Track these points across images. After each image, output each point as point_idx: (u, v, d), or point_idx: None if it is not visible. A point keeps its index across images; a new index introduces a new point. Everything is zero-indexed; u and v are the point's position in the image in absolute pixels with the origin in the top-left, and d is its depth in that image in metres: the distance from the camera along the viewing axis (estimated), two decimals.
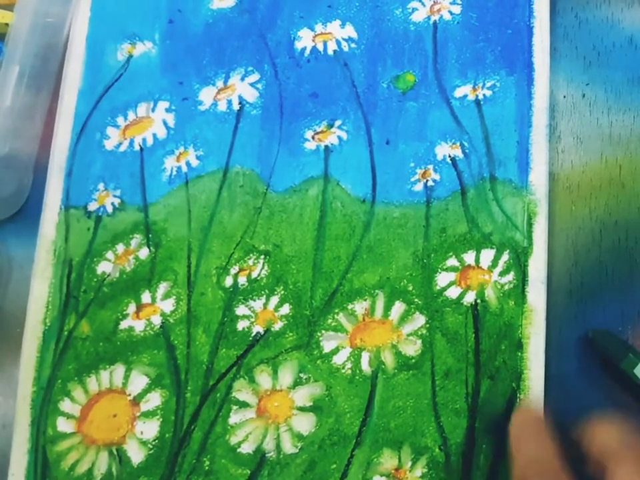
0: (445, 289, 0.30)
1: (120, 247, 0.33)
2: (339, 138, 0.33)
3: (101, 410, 0.31)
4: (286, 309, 0.31)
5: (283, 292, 0.32)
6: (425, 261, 0.31)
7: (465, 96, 0.33)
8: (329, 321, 0.31)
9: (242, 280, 0.32)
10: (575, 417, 0.29)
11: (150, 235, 0.33)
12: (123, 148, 0.35)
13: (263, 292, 0.32)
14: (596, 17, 0.34)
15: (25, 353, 0.32)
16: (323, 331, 0.31)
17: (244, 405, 0.30)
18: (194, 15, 0.36)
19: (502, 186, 0.31)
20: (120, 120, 0.35)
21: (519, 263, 0.30)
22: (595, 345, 0.29)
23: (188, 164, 0.34)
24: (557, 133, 0.32)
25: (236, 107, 0.35)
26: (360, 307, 0.31)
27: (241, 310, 0.32)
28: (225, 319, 0.32)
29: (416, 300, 0.30)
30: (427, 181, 0.32)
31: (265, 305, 0.32)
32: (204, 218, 0.33)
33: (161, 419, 0.31)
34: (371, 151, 0.33)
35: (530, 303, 0.29)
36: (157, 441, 0.31)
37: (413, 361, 0.30)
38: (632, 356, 0.28)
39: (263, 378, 0.31)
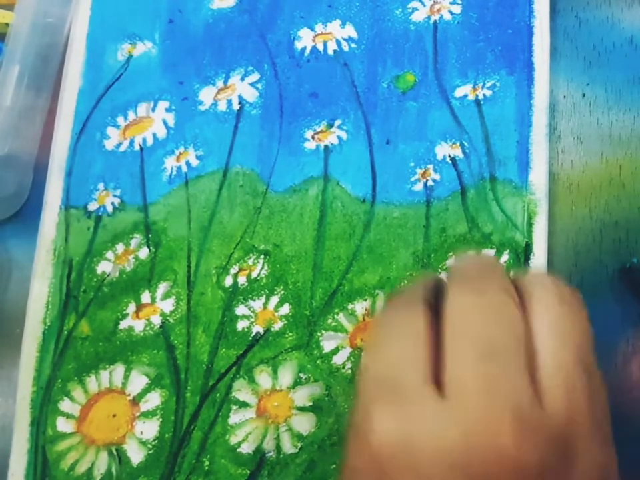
0: None
1: (120, 247, 0.33)
2: (339, 138, 0.33)
3: (101, 410, 0.31)
4: (286, 309, 0.31)
5: (282, 292, 0.32)
6: (425, 261, 0.31)
7: (465, 96, 0.33)
8: (329, 320, 0.31)
9: (242, 280, 0.32)
10: None
11: (150, 235, 0.33)
12: (123, 148, 0.35)
13: (262, 292, 0.32)
14: (596, 17, 0.34)
15: (24, 353, 0.32)
16: (323, 331, 0.31)
17: (244, 404, 0.30)
18: (194, 14, 0.36)
19: (502, 186, 0.31)
20: (120, 120, 0.35)
21: (519, 263, 0.30)
22: (633, 275, 0.29)
23: (188, 164, 0.34)
24: (557, 132, 0.32)
25: (236, 106, 0.35)
26: (360, 306, 0.31)
27: (240, 310, 0.32)
28: (225, 319, 0.32)
29: None
30: (427, 180, 0.32)
31: (265, 304, 0.32)
32: (204, 218, 0.33)
33: (160, 419, 0.31)
34: (370, 151, 0.33)
35: None
36: (156, 441, 0.31)
37: None
38: None
39: (263, 378, 0.31)
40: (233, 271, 0.32)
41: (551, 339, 0.18)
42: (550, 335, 0.18)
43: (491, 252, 0.30)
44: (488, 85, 0.33)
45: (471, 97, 0.33)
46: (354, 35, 0.35)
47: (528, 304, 0.19)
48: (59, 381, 0.32)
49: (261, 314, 0.31)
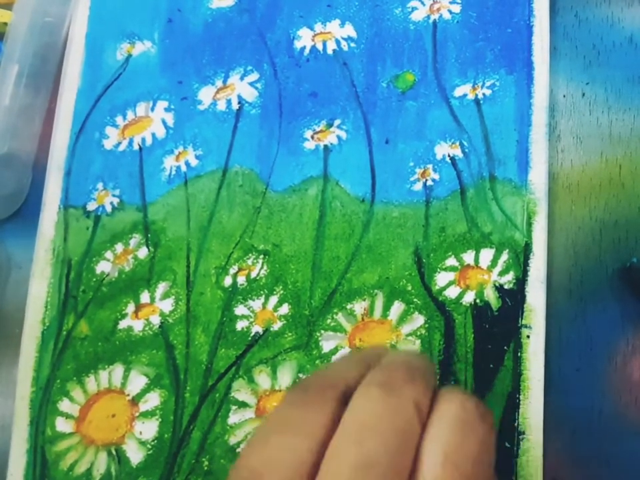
0: (444, 288, 0.30)
1: (119, 247, 0.33)
2: (338, 137, 0.33)
3: (100, 410, 0.31)
4: (285, 309, 0.31)
5: (282, 292, 0.31)
6: (424, 260, 0.31)
7: (465, 95, 0.33)
8: (328, 320, 0.31)
9: (241, 280, 0.32)
10: (575, 418, 0.29)
11: (149, 235, 0.33)
12: (122, 147, 0.35)
13: (262, 292, 0.32)
14: (596, 16, 0.33)
15: (23, 353, 0.32)
16: (322, 331, 0.31)
17: (243, 405, 0.30)
18: (193, 14, 0.36)
19: (501, 185, 0.31)
20: (119, 119, 0.35)
21: (519, 263, 0.30)
22: (633, 275, 0.29)
23: (187, 163, 0.34)
24: (556, 132, 0.32)
25: (235, 106, 0.34)
26: (359, 306, 0.31)
27: (240, 310, 0.32)
28: (224, 319, 0.32)
29: (415, 300, 0.30)
30: (427, 180, 0.32)
31: (264, 304, 0.31)
32: (203, 217, 0.33)
33: (159, 419, 0.31)
34: (370, 151, 0.33)
35: (529, 303, 0.29)
36: (155, 441, 0.31)
37: None
38: None
39: (262, 378, 0.31)
40: (232, 270, 0.32)
41: (437, 465, 0.17)
42: (438, 460, 0.17)
43: (490, 251, 0.30)
44: (487, 84, 0.33)
45: (471, 97, 0.33)
46: (353, 34, 0.35)
47: (429, 418, 0.18)
48: (58, 381, 0.32)
49: (260, 314, 0.31)
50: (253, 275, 0.32)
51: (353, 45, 0.34)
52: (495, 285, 0.30)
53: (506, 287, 0.30)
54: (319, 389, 0.19)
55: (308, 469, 0.17)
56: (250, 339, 0.31)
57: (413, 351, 0.23)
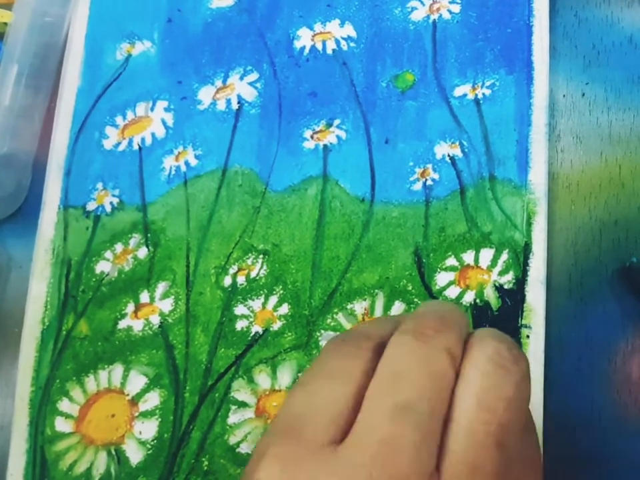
0: (444, 288, 0.30)
1: (118, 247, 0.33)
2: (338, 137, 0.33)
3: (100, 410, 0.31)
4: (285, 309, 0.31)
5: (281, 291, 0.31)
6: (424, 260, 0.31)
7: (464, 95, 0.33)
8: (328, 320, 0.31)
9: (241, 279, 0.32)
10: (575, 418, 0.29)
11: (149, 235, 0.33)
12: (121, 147, 0.35)
13: (261, 291, 0.32)
14: (595, 16, 0.33)
15: (23, 353, 0.32)
16: (322, 331, 0.31)
17: (243, 404, 0.30)
18: (193, 14, 0.36)
19: (501, 185, 0.31)
20: (119, 119, 0.35)
21: (519, 263, 0.30)
22: (632, 275, 0.29)
23: (187, 163, 0.34)
24: (556, 132, 0.32)
25: (235, 106, 0.34)
26: (359, 306, 0.31)
27: (239, 309, 0.32)
28: (224, 319, 0.32)
29: (415, 300, 0.30)
30: (426, 180, 0.32)
31: (264, 304, 0.31)
32: (203, 217, 0.33)
33: (159, 419, 0.31)
34: (369, 150, 0.33)
35: (529, 303, 0.29)
36: (155, 441, 0.31)
37: None
38: None
39: (262, 378, 0.31)
40: (231, 270, 0.32)
41: (470, 409, 0.17)
42: (471, 404, 0.18)
43: (490, 251, 0.30)
44: (487, 84, 0.33)
45: (470, 96, 0.33)
46: (353, 34, 0.35)
47: (462, 364, 0.19)
48: (58, 380, 0.32)
49: (260, 314, 0.31)
50: (253, 274, 0.32)
51: (352, 44, 0.34)
52: (494, 284, 0.30)
53: (506, 286, 0.30)
54: (354, 340, 0.20)
55: (348, 413, 0.18)
56: (250, 338, 0.31)
57: (444, 302, 0.23)
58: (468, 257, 0.31)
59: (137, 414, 0.31)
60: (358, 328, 0.22)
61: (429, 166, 0.32)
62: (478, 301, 0.30)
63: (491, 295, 0.30)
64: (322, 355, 0.20)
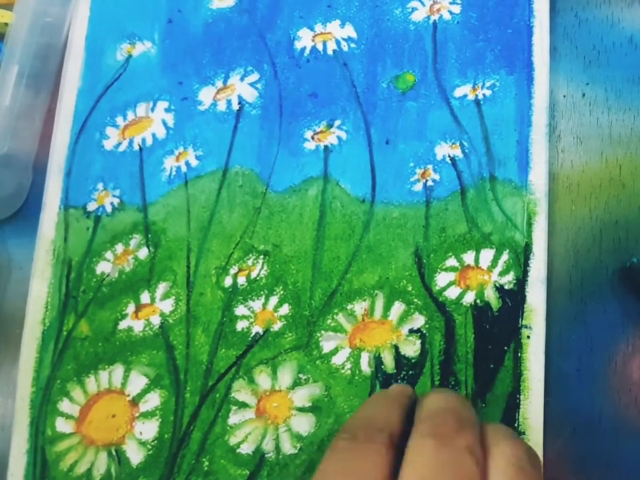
0: (444, 289, 0.30)
1: (119, 247, 0.33)
2: (339, 138, 0.33)
3: (100, 410, 0.31)
4: (285, 309, 0.31)
5: (282, 292, 0.31)
6: (424, 261, 0.31)
7: (465, 95, 0.33)
8: (328, 321, 0.31)
9: (241, 280, 0.32)
10: (575, 418, 0.29)
11: (149, 235, 0.33)
12: (122, 148, 0.35)
13: (262, 292, 0.32)
14: (596, 16, 0.33)
15: (23, 354, 0.32)
16: (322, 331, 0.31)
17: (243, 405, 0.30)
18: (193, 14, 0.36)
19: (502, 186, 0.31)
20: (119, 120, 0.35)
21: (519, 263, 0.30)
22: (633, 275, 0.29)
23: (187, 164, 0.34)
24: (556, 132, 0.32)
25: (235, 106, 0.35)
26: (359, 307, 0.31)
27: (240, 310, 0.32)
28: (224, 319, 0.32)
29: (415, 300, 0.30)
30: (427, 180, 0.32)
31: (264, 305, 0.31)
32: (203, 218, 0.33)
33: (160, 420, 0.31)
34: (370, 151, 0.33)
35: (530, 303, 0.29)
36: (156, 442, 0.31)
37: (413, 361, 0.30)
38: None
39: (262, 378, 0.31)
40: (232, 271, 0.32)
41: None
42: None
43: (490, 252, 0.30)
44: (487, 84, 0.33)
45: (471, 97, 0.33)
46: (353, 34, 0.35)
47: (487, 472, 0.19)
48: (58, 381, 0.32)
49: (260, 314, 0.31)
50: (253, 275, 0.32)
51: (353, 45, 0.34)
52: (495, 285, 0.30)
53: (506, 287, 0.30)
54: (367, 435, 0.20)
55: None
56: (250, 339, 0.31)
57: (448, 393, 0.23)
58: (468, 257, 0.31)
59: (137, 414, 0.31)
60: (364, 417, 0.22)
61: (430, 166, 0.32)
62: (478, 301, 0.30)
63: (491, 296, 0.30)
64: (335, 453, 0.20)
